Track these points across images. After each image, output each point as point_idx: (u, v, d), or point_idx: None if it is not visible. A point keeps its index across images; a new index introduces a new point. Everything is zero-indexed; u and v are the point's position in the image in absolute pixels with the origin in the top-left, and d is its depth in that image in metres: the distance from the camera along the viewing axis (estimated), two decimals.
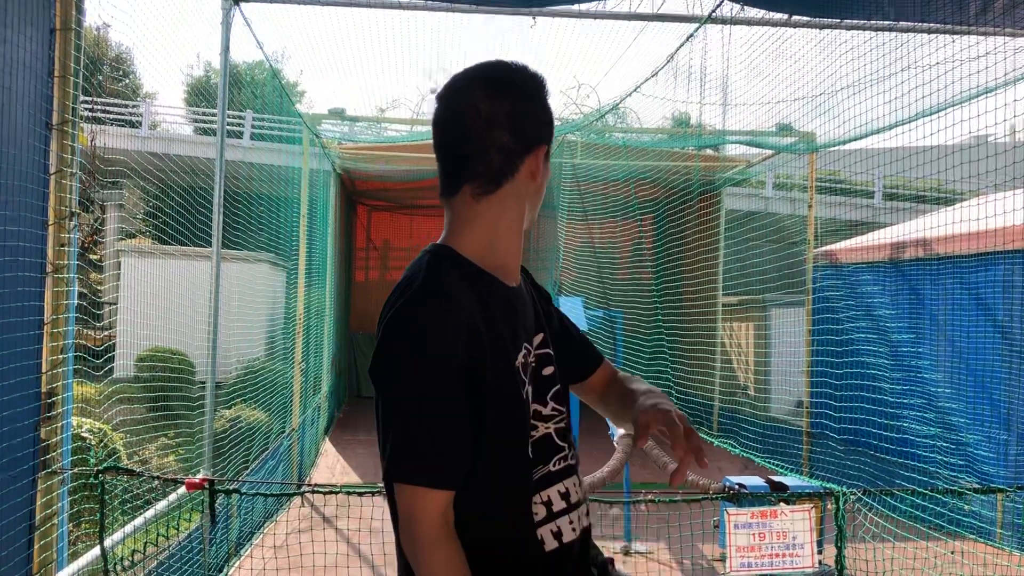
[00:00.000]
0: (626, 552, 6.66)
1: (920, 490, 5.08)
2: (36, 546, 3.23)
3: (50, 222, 3.25)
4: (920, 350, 7.90)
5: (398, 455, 1.41)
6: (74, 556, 3.81)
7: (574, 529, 1.61)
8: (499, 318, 1.52)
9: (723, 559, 5.63)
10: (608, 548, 6.71)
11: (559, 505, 1.58)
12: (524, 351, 1.56)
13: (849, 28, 6.16)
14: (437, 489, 1.41)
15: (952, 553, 5.07)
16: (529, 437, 1.54)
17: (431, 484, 1.41)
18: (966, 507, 6.25)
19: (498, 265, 1.59)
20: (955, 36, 5.54)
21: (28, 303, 3.10)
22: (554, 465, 1.61)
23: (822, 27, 6.31)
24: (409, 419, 1.41)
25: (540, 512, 1.54)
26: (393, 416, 1.42)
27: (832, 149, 8.64)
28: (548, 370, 1.64)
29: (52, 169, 3.25)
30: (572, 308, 9.24)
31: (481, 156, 1.54)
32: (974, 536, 6.02)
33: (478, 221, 1.58)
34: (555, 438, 1.63)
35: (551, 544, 1.54)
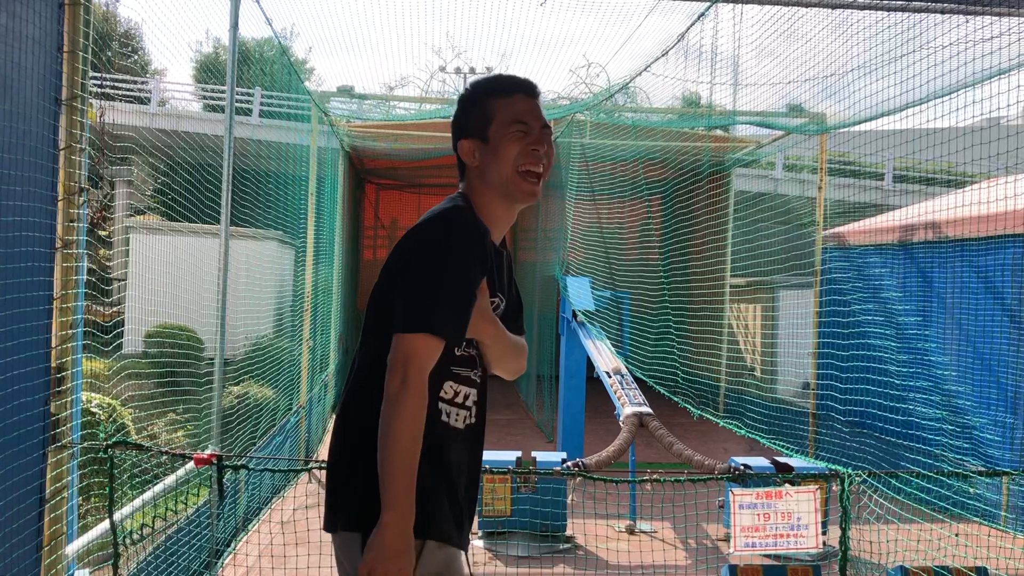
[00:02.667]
0: (631, 531, 6.69)
1: (925, 472, 5.08)
2: (46, 519, 3.27)
3: (60, 198, 3.26)
4: (928, 333, 7.88)
5: (418, 306, 1.85)
6: (84, 529, 3.85)
7: (462, 420, 2.06)
8: (492, 259, 2.04)
9: (728, 539, 5.66)
10: (613, 527, 6.75)
11: (459, 399, 2.04)
12: (496, 298, 2.08)
13: (861, 8, 6.11)
14: (440, 338, 1.87)
15: (956, 536, 5.08)
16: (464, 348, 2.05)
17: (439, 333, 1.86)
18: (971, 490, 6.26)
19: (487, 223, 2.06)
20: (968, 16, 5.49)
21: (38, 278, 3.11)
22: (473, 375, 2.09)
23: (834, 7, 6.25)
24: (433, 280, 1.86)
25: (447, 393, 2.01)
26: (419, 278, 1.88)
27: (843, 130, 8.59)
28: None
29: (61, 145, 3.25)
30: (579, 288, 9.24)
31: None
32: (979, 519, 6.03)
33: (470, 187, 2.16)
34: (476, 361, 2.10)
35: (443, 418, 2.00)
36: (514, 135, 2.05)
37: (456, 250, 1.88)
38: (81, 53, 3.28)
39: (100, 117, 3.91)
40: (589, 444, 8.47)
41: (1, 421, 2.89)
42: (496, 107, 2.08)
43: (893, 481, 5.11)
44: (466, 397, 2.06)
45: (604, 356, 8.04)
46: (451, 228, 1.93)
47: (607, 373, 7.58)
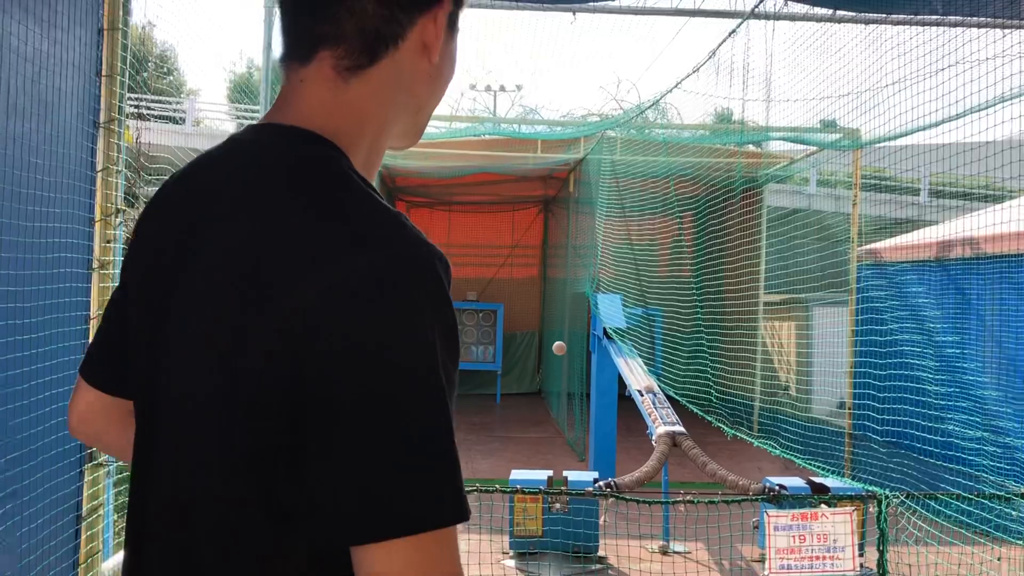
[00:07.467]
0: (664, 552, 6.62)
1: (965, 495, 4.98)
2: (83, 536, 3.30)
3: (96, 219, 3.31)
4: (967, 352, 7.74)
5: (419, 472, 0.82)
6: (119, 546, 3.88)
7: None
8: None
9: (762, 560, 5.58)
10: (646, 547, 6.68)
11: None
12: None
13: (896, 23, 6.06)
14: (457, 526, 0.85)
15: (999, 560, 4.96)
16: None
17: (459, 518, 0.85)
18: (1014, 513, 6.12)
19: None
20: (1007, 30, 5.42)
21: (75, 299, 3.16)
22: None
23: (868, 22, 6.21)
24: (426, 407, 0.84)
25: None
26: (397, 404, 0.82)
27: (878, 146, 8.51)
28: None
29: (99, 167, 3.31)
30: (610, 305, 9.21)
31: (347, 5, 0.96)
32: (1022, 542, 5.88)
33: (351, 116, 0.99)
34: None
35: None
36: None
37: (434, 331, 0.86)
38: (118, 77, 3.34)
39: (136, 139, 3.97)
40: (621, 463, 8.41)
41: (40, 440, 2.93)
42: None
43: (932, 503, 5.02)
44: None
45: (636, 374, 7.99)
46: (427, 287, 0.87)
47: (639, 392, 7.53)
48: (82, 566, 3.30)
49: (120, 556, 3.72)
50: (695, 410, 8.20)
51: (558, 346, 9.71)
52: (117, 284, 1.16)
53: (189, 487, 0.92)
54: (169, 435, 0.95)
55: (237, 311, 0.88)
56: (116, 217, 3.39)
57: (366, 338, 0.83)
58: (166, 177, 1.11)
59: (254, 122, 1.06)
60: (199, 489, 0.91)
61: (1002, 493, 5.22)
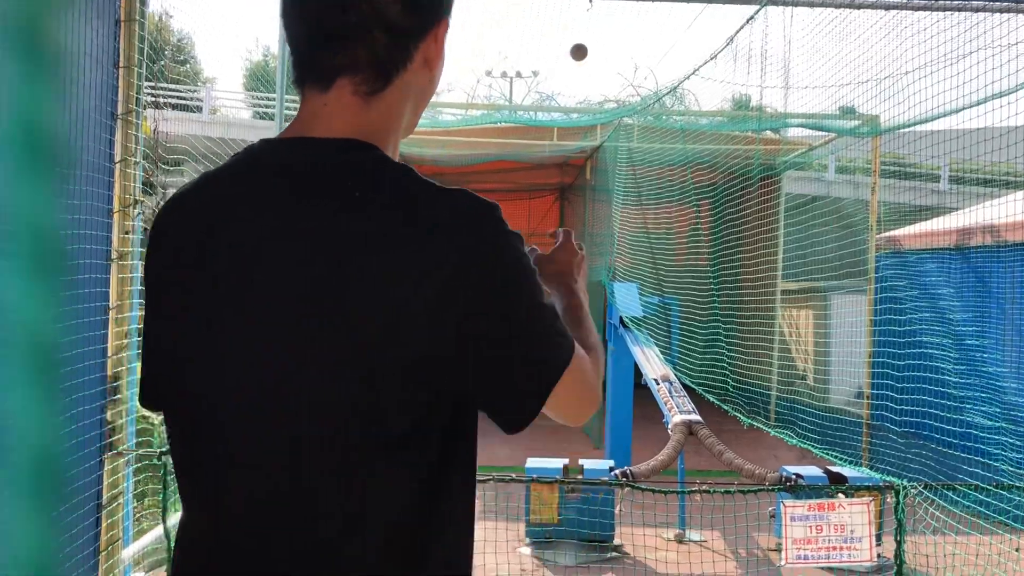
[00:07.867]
0: (680, 540, 6.62)
1: (984, 486, 4.95)
2: (104, 524, 3.33)
3: (115, 210, 3.33)
4: (986, 341, 7.68)
5: (557, 322, 1.11)
6: (139, 534, 3.92)
7: None
8: None
9: (778, 549, 5.57)
10: (662, 535, 6.68)
11: None
12: None
13: (916, 9, 5.98)
14: None
15: (1017, 551, 4.93)
16: None
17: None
18: None
19: None
20: None
21: (94, 289, 3.18)
22: None
23: (888, 8, 6.14)
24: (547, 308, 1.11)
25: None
26: (535, 286, 1.08)
27: (898, 132, 8.41)
28: None
29: (117, 158, 3.32)
30: (627, 294, 9.19)
31: (362, 36, 1.05)
32: None
33: (374, 130, 1.10)
34: None
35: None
36: None
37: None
38: (136, 68, 3.35)
39: (154, 129, 3.98)
40: (637, 451, 8.41)
41: (61, 429, 2.96)
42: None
43: (950, 493, 4.98)
44: None
45: (652, 363, 7.97)
46: (512, 234, 1.11)
47: (655, 380, 7.52)
48: (103, 553, 3.33)
49: (140, 543, 3.76)
50: (711, 399, 8.18)
51: (577, 49, 9.03)
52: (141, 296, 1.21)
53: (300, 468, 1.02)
54: (244, 418, 1.02)
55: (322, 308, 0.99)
56: (134, 208, 3.41)
57: (503, 280, 1.04)
58: (183, 167, 1.15)
59: (271, 136, 1.14)
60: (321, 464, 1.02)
61: (1021, 484, 5.18)
